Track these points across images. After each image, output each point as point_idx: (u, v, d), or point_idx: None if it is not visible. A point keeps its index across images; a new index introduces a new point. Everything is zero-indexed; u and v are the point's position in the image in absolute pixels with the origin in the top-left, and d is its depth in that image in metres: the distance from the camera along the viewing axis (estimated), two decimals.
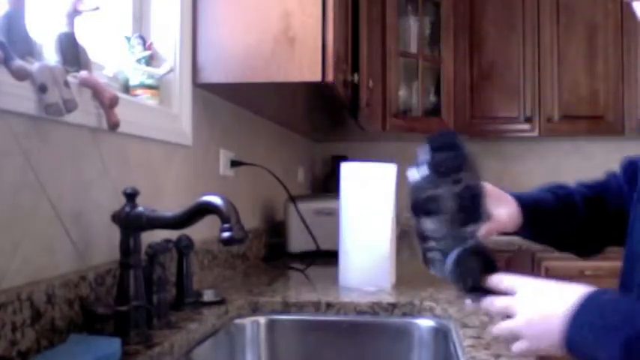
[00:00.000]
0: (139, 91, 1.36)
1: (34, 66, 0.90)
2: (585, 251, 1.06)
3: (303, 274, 1.78)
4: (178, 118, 1.47)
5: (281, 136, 2.59)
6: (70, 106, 0.94)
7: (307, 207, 2.11)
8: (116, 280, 1.07)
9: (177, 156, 1.48)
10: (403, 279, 1.64)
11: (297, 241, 2.13)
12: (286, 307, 1.35)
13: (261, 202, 2.23)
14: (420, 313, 1.33)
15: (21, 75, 0.86)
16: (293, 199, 2.05)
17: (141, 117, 1.28)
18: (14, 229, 0.88)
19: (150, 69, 1.38)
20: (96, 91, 1.06)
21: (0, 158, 0.86)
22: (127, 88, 1.36)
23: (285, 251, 2.18)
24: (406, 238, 3.17)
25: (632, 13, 0.85)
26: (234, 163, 1.88)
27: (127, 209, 1.04)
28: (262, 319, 1.34)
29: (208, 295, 1.30)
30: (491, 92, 3.23)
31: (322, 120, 2.49)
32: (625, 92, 3.15)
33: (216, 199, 0.96)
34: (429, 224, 0.83)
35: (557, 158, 3.51)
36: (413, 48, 3.13)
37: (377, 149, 3.51)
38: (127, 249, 1.04)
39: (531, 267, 2.90)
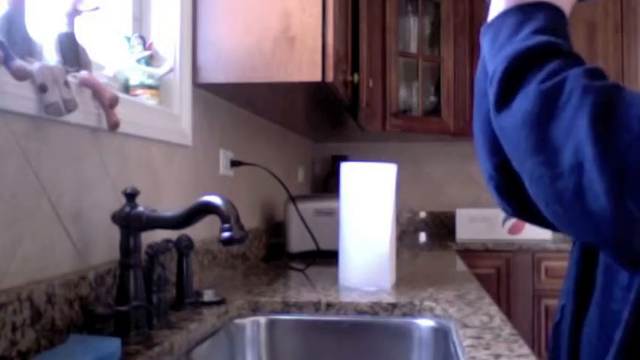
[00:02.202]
0: (139, 91, 1.36)
1: (34, 66, 0.90)
2: None
3: (303, 274, 1.78)
4: (178, 118, 1.47)
5: (281, 136, 2.59)
6: (70, 106, 0.94)
7: (307, 207, 2.11)
8: (116, 280, 1.08)
9: (177, 156, 1.48)
10: (403, 279, 1.64)
11: (297, 241, 2.13)
12: (286, 307, 1.35)
13: (261, 202, 2.23)
14: (420, 313, 1.33)
15: (21, 75, 0.86)
16: (293, 199, 2.05)
17: (141, 117, 1.28)
18: (14, 229, 0.88)
19: (150, 69, 1.38)
20: (96, 91, 1.06)
21: (0, 158, 0.86)
22: (127, 88, 1.36)
23: (285, 251, 2.18)
24: (406, 238, 3.17)
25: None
26: (234, 163, 1.88)
27: (127, 209, 1.04)
28: (262, 319, 1.34)
29: (208, 295, 1.30)
30: None
31: (322, 120, 2.49)
32: None
33: (216, 199, 0.96)
34: None
35: None
36: (413, 48, 3.13)
37: (377, 149, 3.51)
38: (127, 249, 1.04)
39: (531, 267, 2.90)
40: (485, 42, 0.73)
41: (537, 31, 0.66)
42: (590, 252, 0.75)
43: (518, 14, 0.69)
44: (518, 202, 0.85)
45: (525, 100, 0.62)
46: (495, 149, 0.81)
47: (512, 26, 0.69)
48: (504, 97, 0.64)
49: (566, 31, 0.69)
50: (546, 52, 0.64)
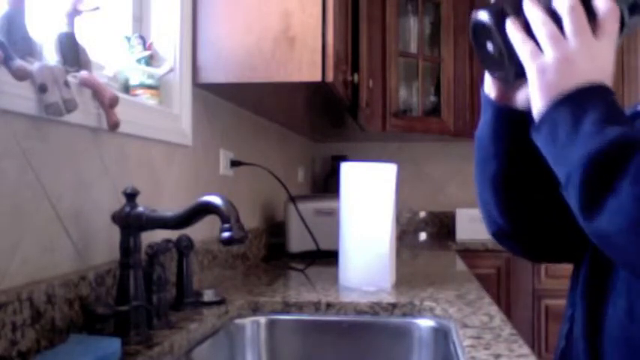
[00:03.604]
0: (139, 91, 1.36)
1: (34, 66, 0.90)
2: None
3: (303, 274, 1.78)
4: (178, 118, 1.47)
5: (281, 136, 2.59)
6: (70, 106, 0.94)
7: (307, 207, 2.11)
8: (116, 280, 1.07)
9: (177, 156, 1.48)
10: (403, 279, 1.64)
11: (297, 241, 2.13)
12: (286, 307, 1.35)
13: (261, 202, 2.23)
14: (420, 313, 1.33)
15: (21, 75, 0.86)
16: (293, 199, 2.05)
17: (141, 117, 1.28)
18: (14, 229, 0.88)
19: (150, 69, 1.38)
20: (96, 91, 1.06)
21: (0, 158, 0.86)
22: (127, 88, 1.36)
23: (285, 251, 2.18)
24: (406, 238, 3.17)
25: None
26: (234, 163, 1.88)
27: (127, 209, 1.03)
28: (262, 319, 1.34)
29: (208, 295, 1.30)
30: None
31: (322, 120, 2.49)
32: (625, 92, 3.15)
33: (216, 199, 0.96)
34: None
35: None
36: (413, 48, 3.13)
37: (377, 149, 3.51)
38: (127, 249, 1.04)
39: (531, 267, 2.90)
40: (539, 139, 0.69)
41: (600, 123, 0.63)
42: (600, 268, 0.75)
43: (569, 106, 0.66)
44: (524, 245, 0.86)
45: (622, 207, 0.59)
46: (502, 198, 0.81)
47: (570, 121, 0.65)
48: (592, 203, 0.62)
49: (622, 110, 0.66)
50: (622, 146, 0.61)
